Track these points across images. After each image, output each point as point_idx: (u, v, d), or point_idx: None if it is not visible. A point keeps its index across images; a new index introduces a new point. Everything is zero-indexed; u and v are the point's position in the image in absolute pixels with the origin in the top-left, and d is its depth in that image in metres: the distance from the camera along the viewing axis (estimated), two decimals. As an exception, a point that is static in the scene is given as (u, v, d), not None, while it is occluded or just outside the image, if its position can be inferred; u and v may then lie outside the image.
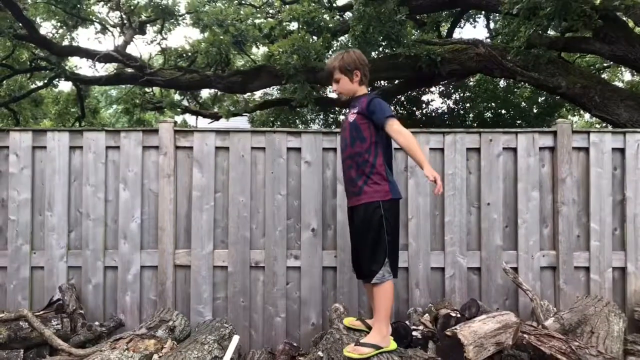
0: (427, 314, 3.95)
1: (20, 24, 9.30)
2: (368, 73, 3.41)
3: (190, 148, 4.26)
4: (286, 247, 4.23)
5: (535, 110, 12.09)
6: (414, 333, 3.65)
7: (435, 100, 22.34)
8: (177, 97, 13.04)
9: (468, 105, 12.45)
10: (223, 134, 4.30)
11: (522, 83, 10.16)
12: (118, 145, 4.26)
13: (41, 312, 3.83)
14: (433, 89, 12.30)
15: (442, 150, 4.32)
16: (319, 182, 4.26)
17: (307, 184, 4.25)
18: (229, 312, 4.19)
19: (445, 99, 12.55)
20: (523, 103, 12.20)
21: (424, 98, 12.42)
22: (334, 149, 4.28)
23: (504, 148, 4.35)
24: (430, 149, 4.31)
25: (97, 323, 3.91)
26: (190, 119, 14.38)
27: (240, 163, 4.25)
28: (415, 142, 3.12)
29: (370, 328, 3.34)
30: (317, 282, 4.22)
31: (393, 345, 3.15)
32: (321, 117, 12.80)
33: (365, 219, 3.17)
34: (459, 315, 3.64)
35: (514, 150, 4.35)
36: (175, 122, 4.31)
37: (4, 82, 11.13)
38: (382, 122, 3.15)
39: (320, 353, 3.24)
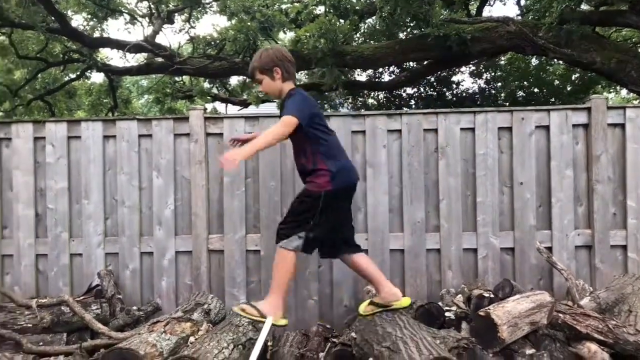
0: (460, 295, 3.94)
1: (53, 18, 9.47)
2: (291, 67, 3.34)
3: (221, 134, 4.31)
4: (317, 230, 4.25)
5: (569, 88, 11.80)
6: (446, 314, 3.65)
7: (465, 80, 22.03)
8: (206, 85, 13.14)
9: (499, 84, 12.22)
10: (252, 119, 4.33)
11: (555, 60, 9.92)
12: (150, 134, 4.33)
13: (81, 298, 3.95)
14: (463, 69, 12.10)
15: (472, 130, 4.27)
16: (349, 165, 4.25)
17: (337, 167, 4.25)
18: (262, 296, 4.23)
19: (476, 79, 12.35)
20: (556, 81, 11.91)
21: (454, 79, 12.24)
22: (363, 132, 4.27)
23: (536, 126, 4.27)
24: (461, 128, 4.26)
25: (135, 307, 4.02)
26: (220, 106, 14.47)
27: (270, 148, 4.25)
28: (269, 138, 3.04)
29: (381, 306, 3.38)
30: (349, 264, 4.24)
31: (282, 321, 3.16)
32: (350, 100, 12.74)
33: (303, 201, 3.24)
34: (492, 296, 3.62)
35: (547, 128, 4.27)
36: (205, 109, 4.36)
37: (39, 75, 11.39)
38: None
39: (353, 334, 3.27)
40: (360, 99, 12.62)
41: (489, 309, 3.23)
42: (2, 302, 3.90)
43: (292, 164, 4.28)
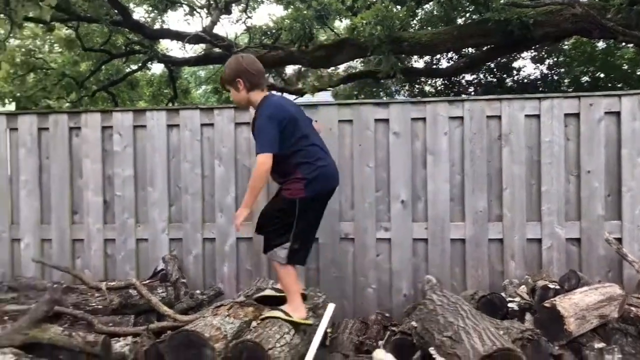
0: (523, 286, 3.84)
1: (116, 11, 9.78)
2: (255, 77, 3.28)
3: (280, 123, 4.34)
4: (375, 219, 4.24)
5: (639, 73, 11.23)
6: (509, 305, 3.58)
7: (526, 66, 21.35)
8: (262, 74, 13.27)
9: (563, 70, 11.78)
10: (311, 108, 4.33)
11: (624, 44, 9.45)
12: (212, 123, 4.41)
13: (147, 281, 4.09)
14: (524, 54, 11.73)
15: (538, 116, 4.14)
16: (408, 153, 4.21)
17: (395, 155, 4.22)
18: (320, 283, 4.28)
19: (538, 65, 11.94)
20: (625, 65, 11.36)
21: (515, 64, 11.89)
22: (423, 119, 4.21)
23: (605, 112, 4.09)
24: (526, 115, 4.14)
25: (198, 291, 4.13)
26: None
27: (328, 136, 4.26)
28: (257, 190, 3.17)
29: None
30: (408, 253, 4.21)
31: (309, 321, 3.19)
32: (407, 88, 12.59)
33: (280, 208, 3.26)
34: (557, 287, 3.52)
35: (617, 114, 4.09)
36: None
37: (103, 66, 11.80)
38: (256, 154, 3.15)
39: (414, 323, 3.25)
40: (417, 86, 12.45)
41: (554, 300, 3.15)
42: (74, 284, 4.08)
43: (350, 153, 4.28)
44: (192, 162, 4.43)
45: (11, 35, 8.99)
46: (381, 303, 4.25)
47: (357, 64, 12.79)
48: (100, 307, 3.66)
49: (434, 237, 4.18)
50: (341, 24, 12.81)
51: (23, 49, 11.43)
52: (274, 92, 3.42)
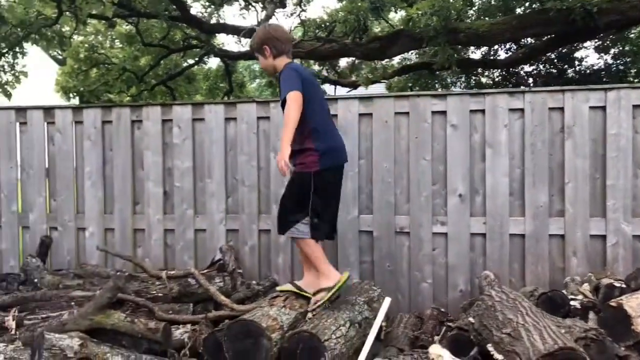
0: (586, 284, 3.70)
1: (174, 6, 10.01)
2: (280, 43, 3.40)
3: (335, 115, 4.33)
4: (432, 212, 4.18)
5: None
6: (572, 303, 3.45)
7: (589, 56, 20.56)
8: (315, 67, 13.31)
9: (629, 60, 11.24)
10: (366, 100, 4.31)
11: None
12: (268, 116, 4.45)
13: (205, 271, 4.18)
14: (587, 44, 11.26)
15: (603, 108, 3.97)
16: (466, 146, 4.12)
17: (453, 148, 4.14)
18: (375, 276, 4.26)
19: (602, 55, 11.44)
20: (698, 53, 10.76)
21: (577, 54, 11.44)
22: (482, 111, 4.11)
23: (679, 103, 3.88)
24: (590, 107, 3.97)
25: (254, 282, 4.19)
26: (329, 88, 14.61)
27: (384, 129, 4.25)
28: (292, 122, 3.10)
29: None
30: (465, 248, 4.13)
31: (345, 275, 3.29)
32: (463, 79, 12.34)
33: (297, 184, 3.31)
34: (624, 286, 3.37)
35: (691, 105, 3.87)
36: (324, 92, 4.41)
37: (162, 61, 12.12)
38: (284, 98, 3.17)
39: (471, 319, 3.18)
40: (473, 78, 12.18)
41: (621, 299, 3.02)
42: (136, 272, 4.22)
43: (406, 145, 4.23)
44: (249, 155, 4.49)
45: (76, 31, 9.35)
46: (437, 298, 4.20)
47: (411, 56, 12.63)
48: (160, 295, 3.77)
49: (492, 232, 4.08)
50: (395, 16, 12.68)
51: (86, 45, 11.86)
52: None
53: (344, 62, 13.81)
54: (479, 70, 11.98)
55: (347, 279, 3.28)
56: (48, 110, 4.77)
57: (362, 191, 4.31)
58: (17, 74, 8.48)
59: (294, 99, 3.15)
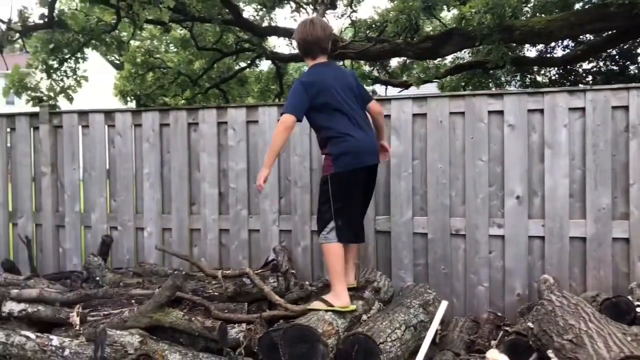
0: (654, 290, 3.54)
1: (227, 10, 10.18)
2: (311, 44, 3.35)
3: (388, 116, 4.30)
4: (488, 214, 4.09)
5: None
6: (638, 309, 3.31)
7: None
8: (366, 68, 13.27)
9: (698, 55, 10.71)
10: (420, 100, 4.26)
11: None
12: (321, 117, 4.46)
13: (258, 271, 4.22)
14: (651, 39, 10.79)
15: (672, 106, 3.78)
16: (524, 147, 4.01)
17: (510, 148, 4.04)
18: (429, 279, 4.20)
19: (667, 50, 10.95)
20: None
21: (640, 51, 10.98)
22: (541, 110, 3.99)
23: None
24: (657, 105, 3.80)
25: (307, 282, 4.20)
26: (380, 89, 14.54)
27: (438, 129, 4.19)
28: (276, 147, 3.26)
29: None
30: (523, 251, 4.02)
31: (352, 307, 3.18)
32: (517, 78, 12.03)
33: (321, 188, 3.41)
34: (695, 293, 3.20)
35: None
36: (374, 92, 4.38)
37: (215, 65, 12.36)
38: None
39: (530, 324, 3.10)
40: (529, 76, 11.86)
41: (693, 307, 2.87)
42: (192, 271, 4.31)
43: (461, 146, 4.16)
44: (301, 156, 4.51)
45: (133, 37, 9.65)
46: (493, 302, 4.10)
47: (464, 55, 12.41)
48: (216, 294, 3.83)
49: (551, 235, 3.96)
50: (447, 14, 12.50)
51: (143, 50, 12.22)
52: (326, 61, 3.47)
53: (394, 61, 13.71)
54: (535, 68, 11.65)
55: (352, 311, 3.21)
56: (109, 114, 4.94)
57: (416, 192, 4.26)
58: (78, 78, 8.85)
59: (283, 122, 3.23)
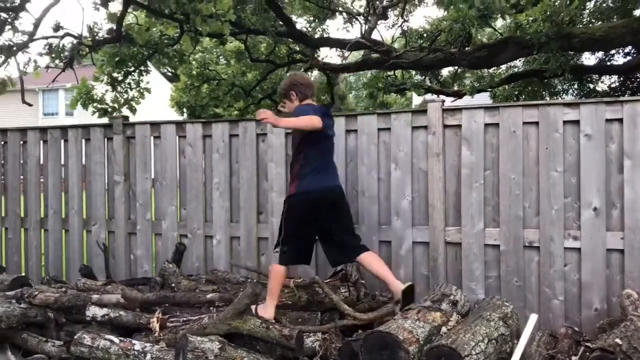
0: None
1: (281, 22, 10.33)
2: (305, 88, 3.93)
3: (459, 126, 4.27)
4: (563, 226, 3.99)
5: None
6: None
7: None
8: (417, 77, 13.22)
9: None
10: (492, 110, 4.22)
11: None
12: (389, 127, 4.46)
13: (328, 280, 4.24)
14: None
15: None
16: (602, 157, 3.91)
17: (587, 159, 3.94)
18: (501, 292, 4.13)
19: None
20: None
21: None
22: (619, 120, 3.89)
23: None
24: None
25: (376, 293, 4.20)
26: (431, 99, 14.46)
27: (511, 139, 4.13)
28: (302, 123, 3.61)
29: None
30: (600, 265, 3.91)
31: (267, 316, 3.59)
32: (575, 86, 11.75)
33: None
34: None
35: None
36: (443, 102, 4.37)
37: (268, 76, 12.53)
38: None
39: (618, 340, 3.01)
40: (589, 85, 11.57)
41: None
42: (261, 279, 4.36)
43: (535, 156, 4.08)
44: (369, 166, 4.52)
45: (195, 49, 9.90)
46: (568, 316, 3.99)
47: (519, 63, 12.22)
48: (290, 302, 3.87)
49: (631, 248, 3.84)
50: (501, 23, 12.34)
51: (199, 62, 12.50)
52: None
53: (445, 71, 13.60)
54: (594, 76, 11.36)
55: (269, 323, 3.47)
56: (180, 125, 5.07)
57: (487, 203, 4.20)
58: (141, 90, 9.14)
59: (316, 119, 3.60)
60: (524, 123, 4.10)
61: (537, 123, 4.08)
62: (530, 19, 8.55)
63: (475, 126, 4.21)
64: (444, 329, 3.16)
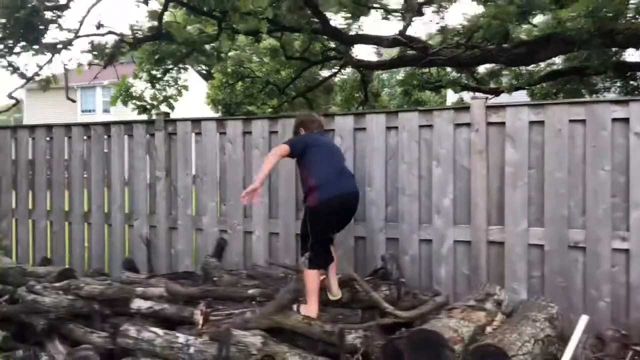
0: None
1: (316, 19, 10.31)
2: (309, 124, 4.18)
3: (502, 124, 4.21)
4: (611, 227, 3.90)
5: None
6: None
7: None
8: (453, 75, 13.05)
9: None
10: (537, 107, 4.15)
11: None
12: (430, 124, 4.43)
13: (368, 278, 4.23)
14: None
15: None
16: (652, 156, 3.81)
17: (637, 157, 3.84)
18: (545, 292, 4.05)
19: None
20: None
21: None
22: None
23: None
24: None
25: (417, 291, 4.17)
26: (467, 96, 14.26)
27: (557, 137, 4.05)
28: (267, 165, 3.86)
29: None
30: (650, 266, 3.81)
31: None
32: (617, 84, 11.43)
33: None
34: None
35: None
36: (487, 99, 4.31)
37: (302, 74, 12.53)
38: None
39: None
40: (632, 82, 11.23)
41: None
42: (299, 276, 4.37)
43: (581, 155, 4.00)
44: (410, 164, 4.49)
45: (232, 47, 9.97)
46: (615, 319, 3.89)
47: (558, 61, 11.95)
48: (330, 299, 3.87)
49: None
50: (540, 20, 12.09)
51: (234, 59, 12.58)
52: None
53: (482, 68, 13.40)
54: (638, 74, 11.02)
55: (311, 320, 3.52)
56: (220, 122, 5.13)
57: (531, 202, 4.13)
58: (179, 87, 9.26)
59: (279, 147, 3.99)
60: (570, 121, 4.02)
61: (583, 121, 3.99)
62: (572, 14, 8.35)
63: (519, 124, 4.14)
64: (488, 329, 3.13)
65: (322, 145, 4.04)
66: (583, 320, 2.79)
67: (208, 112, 16.12)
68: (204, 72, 21.76)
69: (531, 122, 4.13)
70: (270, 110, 13.18)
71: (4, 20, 6.28)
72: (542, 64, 11.84)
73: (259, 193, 3.93)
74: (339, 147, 4.35)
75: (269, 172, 3.93)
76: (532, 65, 11.29)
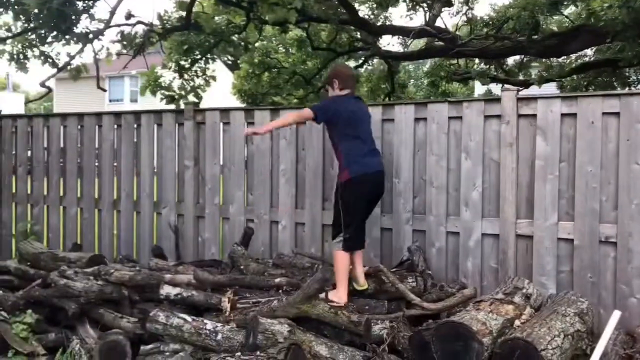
0: None
1: (343, 10, 10.26)
2: (345, 79, 4.06)
3: (533, 116, 4.14)
4: (644, 222, 3.83)
5: None
6: None
7: None
8: (481, 66, 12.89)
9: None
10: (569, 99, 4.08)
11: None
12: (460, 116, 4.38)
13: (394, 269, 4.23)
14: None
15: None
16: (690, 150, 3.72)
17: (674, 152, 3.76)
18: (574, 287, 4.00)
19: None
20: None
21: None
22: None
23: None
24: None
25: (444, 284, 4.15)
26: (495, 88, 14.07)
27: (589, 130, 3.98)
28: (289, 120, 4.15)
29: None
30: (683, 263, 3.73)
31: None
32: (651, 76, 11.18)
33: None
34: None
35: None
36: (518, 90, 4.25)
37: (328, 64, 12.49)
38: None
39: None
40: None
41: None
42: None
43: (615, 148, 3.92)
44: (438, 155, 4.45)
45: (260, 37, 10.00)
46: (645, 315, 3.83)
47: (588, 52, 11.72)
48: (356, 290, 3.88)
49: None
50: (571, 10, 11.87)
51: (261, 50, 12.61)
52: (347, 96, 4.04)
53: (511, 60, 13.20)
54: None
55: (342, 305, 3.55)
56: (248, 112, 5.15)
57: (562, 196, 4.07)
58: (207, 78, 9.32)
59: (302, 111, 4.03)
60: (604, 114, 3.94)
61: (617, 114, 3.91)
62: (605, 5, 8.16)
63: (551, 116, 4.08)
64: (517, 322, 3.10)
65: (353, 114, 3.95)
66: (615, 315, 2.75)
67: (234, 102, 16.17)
68: (230, 62, 21.84)
69: (563, 115, 4.06)
70: (296, 101, 13.18)
71: (36, 10, 6.40)
72: (573, 56, 11.63)
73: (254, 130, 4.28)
74: (370, 115, 4.20)
75: (281, 126, 4.25)
76: (563, 57, 11.10)
